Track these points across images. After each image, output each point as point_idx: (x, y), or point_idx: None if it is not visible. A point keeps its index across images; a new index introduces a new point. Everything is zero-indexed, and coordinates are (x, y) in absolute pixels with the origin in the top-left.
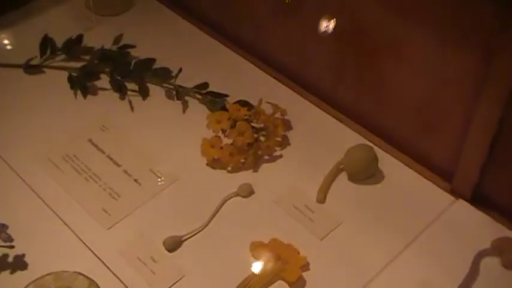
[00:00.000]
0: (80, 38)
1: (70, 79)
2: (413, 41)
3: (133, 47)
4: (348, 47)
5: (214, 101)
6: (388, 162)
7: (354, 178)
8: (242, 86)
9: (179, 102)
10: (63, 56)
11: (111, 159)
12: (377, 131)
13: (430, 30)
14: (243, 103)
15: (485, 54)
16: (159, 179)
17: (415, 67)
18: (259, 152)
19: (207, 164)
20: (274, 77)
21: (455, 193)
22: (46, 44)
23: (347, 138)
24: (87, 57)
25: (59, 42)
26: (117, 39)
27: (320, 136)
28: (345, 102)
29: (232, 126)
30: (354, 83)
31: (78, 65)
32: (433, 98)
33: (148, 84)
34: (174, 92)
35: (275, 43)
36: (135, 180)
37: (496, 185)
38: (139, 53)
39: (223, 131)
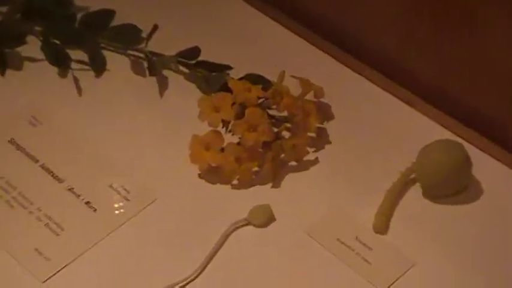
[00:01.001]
0: None
1: None
2: None
3: None
4: None
5: (210, 76)
6: (489, 168)
7: (433, 193)
8: (253, 51)
9: (153, 78)
10: None
11: (47, 170)
12: (469, 118)
13: None
14: (255, 79)
15: None
16: (125, 201)
17: None
18: (282, 156)
19: (199, 176)
20: (304, 38)
21: None
22: None
23: (421, 130)
24: (4, 9)
25: None
26: None
27: (377, 128)
28: (416, 77)
29: (239, 116)
30: (431, 49)
31: None
32: None
33: (105, 52)
34: (146, 64)
35: None
36: (87, 203)
37: None
38: (88, 1)
39: (225, 124)
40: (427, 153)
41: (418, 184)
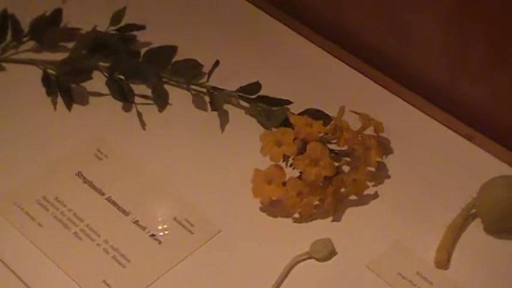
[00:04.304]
0: (57, 14)
1: (45, 80)
2: None
3: (142, 28)
4: (474, 21)
5: (271, 110)
6: None
7: (494, 229)
8: (312, 86)
9: (214, 112)
10: (32, 44)
11: (114, 203)
12: None
13: None
14: (315, 114)
15: None
16: (188, 233)
17: None
18: (343, 190)
19: (261, 209)
20: (363, 73)
21: None
22: (5, 24)
23: (480, 164)
24: (71, 45)
25: (25, 21)
26: (116, 17)
27: (437, 163)
28: (475, 109)
29: (301, 151)
30: (487, 77)
31: (57, 57)
32: None
33: (167, 86)
34: (207, 98)
35: (362, 18)
36: (152, 235)
37: None
38: (151, 37)
39: (287, 159)
40: (487, 189)
41: (479, 219)
